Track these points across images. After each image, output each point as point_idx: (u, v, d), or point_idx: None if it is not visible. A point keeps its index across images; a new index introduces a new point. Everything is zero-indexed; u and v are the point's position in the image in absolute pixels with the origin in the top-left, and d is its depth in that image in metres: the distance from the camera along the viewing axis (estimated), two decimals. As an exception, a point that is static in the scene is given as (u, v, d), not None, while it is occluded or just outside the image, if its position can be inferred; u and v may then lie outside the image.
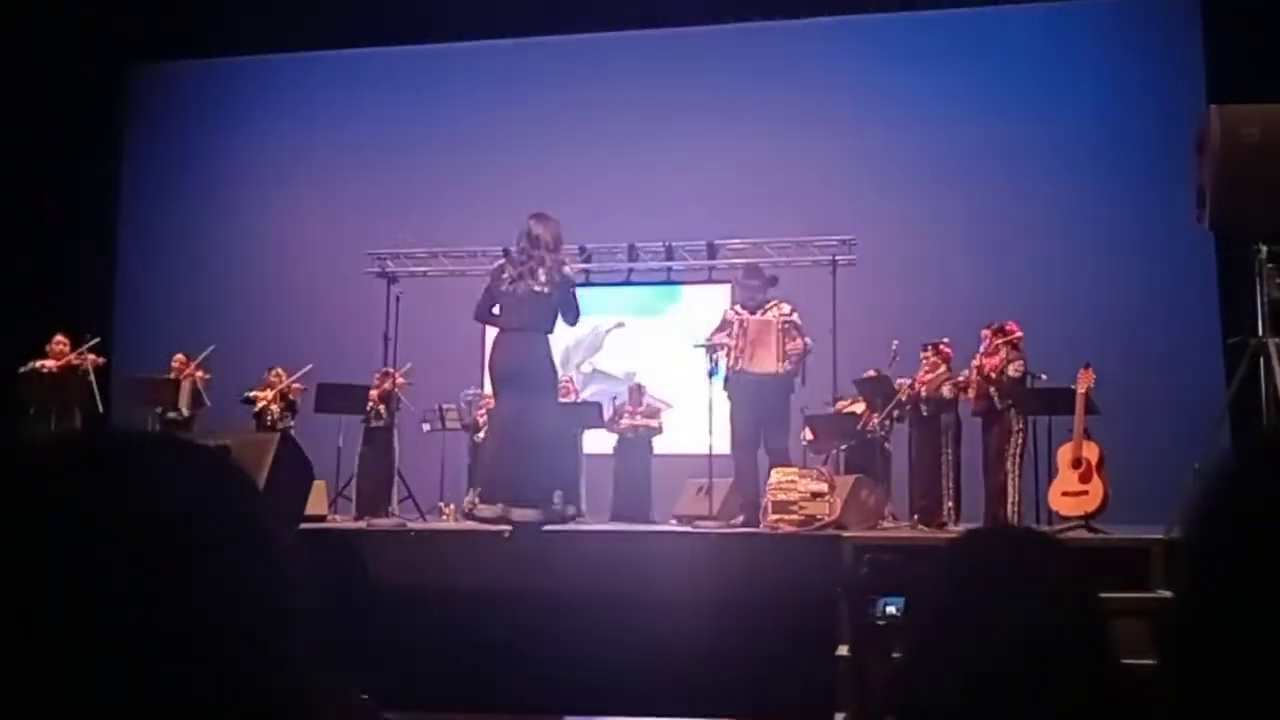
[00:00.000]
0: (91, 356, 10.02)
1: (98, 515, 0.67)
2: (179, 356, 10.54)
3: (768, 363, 6.89)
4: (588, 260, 12.37)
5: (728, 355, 7.07)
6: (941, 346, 8.78)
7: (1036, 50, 12.22)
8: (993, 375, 8.09)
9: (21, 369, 9.78)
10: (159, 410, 10.18)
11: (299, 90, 13.75)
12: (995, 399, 8.09)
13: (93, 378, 9.88)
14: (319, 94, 13.69)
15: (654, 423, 11.17)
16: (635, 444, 11.08)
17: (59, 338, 10.01)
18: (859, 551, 4.49)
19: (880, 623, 1.94)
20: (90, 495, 0.68)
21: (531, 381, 6.06)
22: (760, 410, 6.89)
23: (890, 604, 1.94)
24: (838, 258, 11.36)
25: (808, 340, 7.12)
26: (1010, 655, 1.20)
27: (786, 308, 7.11)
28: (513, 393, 6.04)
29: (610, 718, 4.23)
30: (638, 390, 11.40)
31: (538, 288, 6.19)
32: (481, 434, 10.42)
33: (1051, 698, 1.20)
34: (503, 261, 6.13)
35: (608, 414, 11.21)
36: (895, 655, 1.86)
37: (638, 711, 3.87)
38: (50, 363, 9.88)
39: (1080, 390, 7.22)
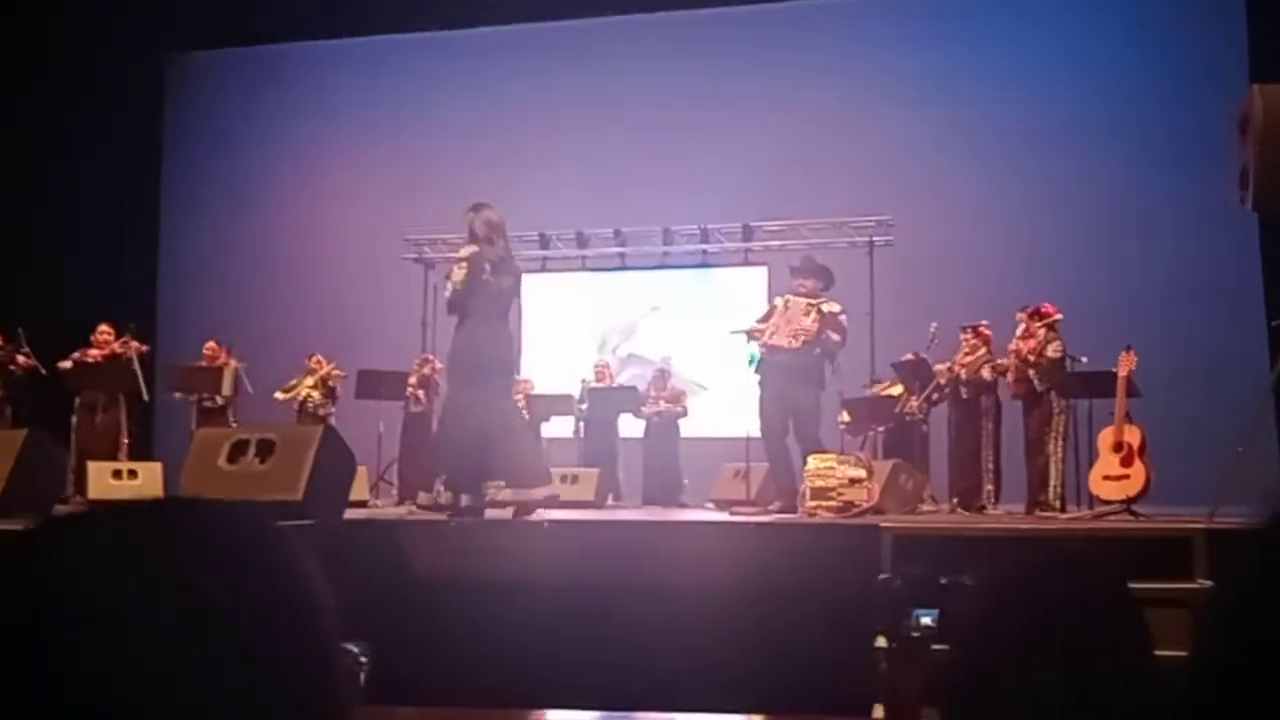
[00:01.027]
0: (135, 345, 10.15)
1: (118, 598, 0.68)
2: (210, 344, 10.66)
3: (783, 338, 6.85)
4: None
5: (760, 336, 7.04)
6: (981, 329, 8.71)
7: (1075, 28, 12.04)
8: (1030, 358, 8.03)
9: (67, 359, 9.93)
10: (197, 397, 10.30)
11: (335, 77, 13.80)
12: (1035, 382, 8.02)
13: (137, 366, 10.01)
14: (355, 80, 13.74)
15: (678, 407, 11.18)
16: (662, 428, 11.10)
17: (103, 327, 10.16)
18: (896, 543, 4.48)
19: (915, 635, 1.94)
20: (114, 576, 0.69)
21: (509, 370, 6.19)
22: (787, 398, 6.82)
23: (924, 615, 1.95)
24: (874, 239, 11.29)
25: (832, 335, 6.91)
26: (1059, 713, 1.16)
27: (836, 306, 7.00)
28: (494, 380, 6.08)
29: (647, 713, 4.26)
30: (662, 374, 11.42)
31: (510, 279, 6.24)
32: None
33: None
34: (476, 251, 6.11)
35: (641, 398, 11.25)
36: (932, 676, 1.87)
37: (676, 705, 3.89)
38: (95, 352, 10.03)
39: (1121, 373, 7.14)
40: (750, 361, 7.07)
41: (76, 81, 12.34)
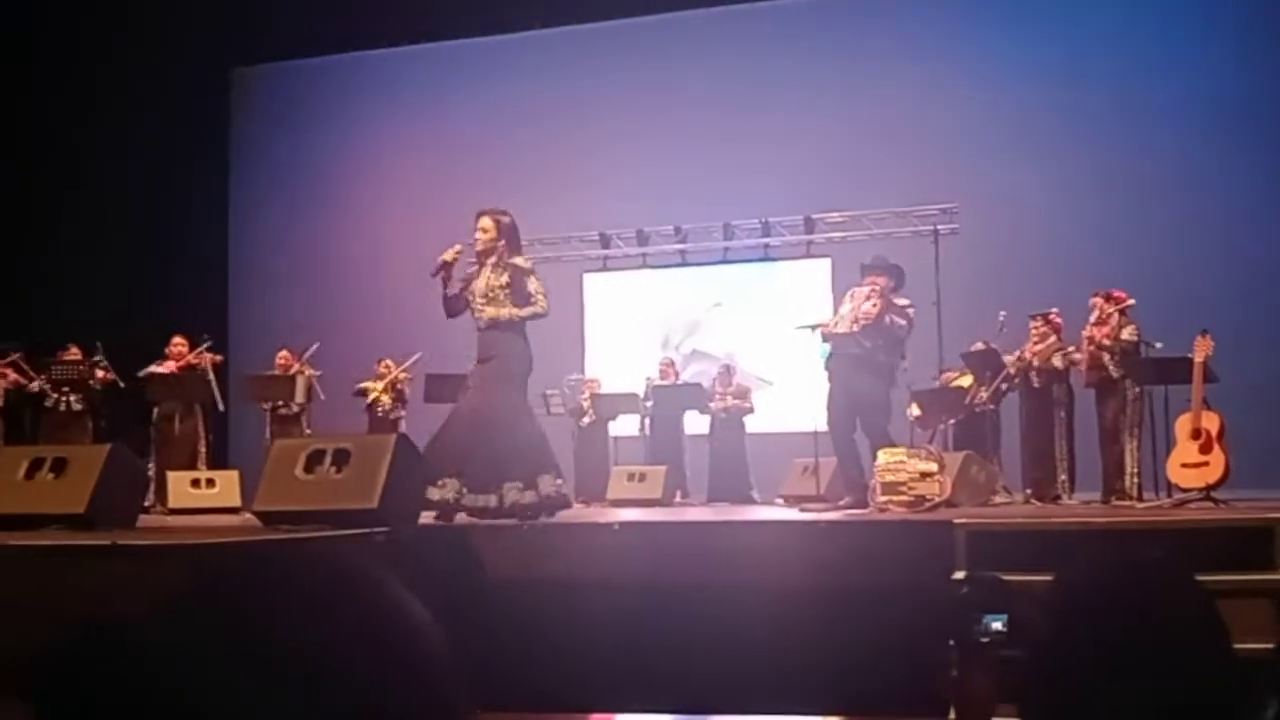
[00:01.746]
0: (209, 356, 10.37)
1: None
2: (283, 353, 10.86)
3: (847, 325, 6.77)
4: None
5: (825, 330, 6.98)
6: (1051, 316, 8.59)
7: (1145, 5, 11.78)
8: (1105, 343, 7.90)
9: (144, 371, 10.17)
10: (272, 405, 10.50)
11: (396, 84, 13.97)
12: (1110, 369, 7.89)
13: (212, 376, 10.23)
14: (414, 88, 13.89)
15: (745, 403, 11.15)
16: (728, 424, 11.09)
17: (177, 339, 10.39)
18: (969, 539, 4.44)
19: (985, 640, 1.93)
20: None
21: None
22: (855, 393, 6.74)
23: (994, 621, 1.94)
24: (939, 227, 11.16)
25: (896, 319, 6.73)
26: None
27: (904, 300, 6.89)
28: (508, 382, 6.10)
29: (719, 715, 4.27)
30: (727, 370, 11.40)
31: None
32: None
33: None
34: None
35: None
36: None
37: (747, 707, 3.90)
38: (170, 364, 10.26)
39: (1198, 359, 6.99)
40: (824, 357, 7.02)
41: (145, 97, 12.63)
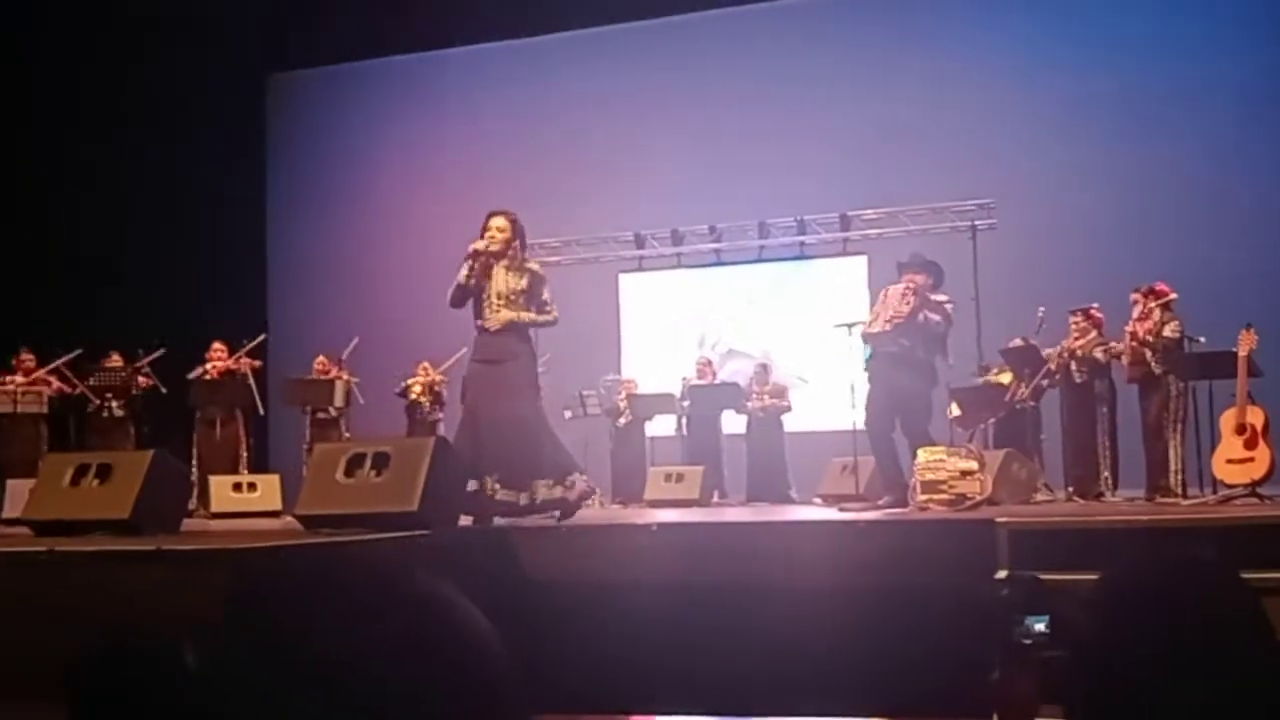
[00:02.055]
0: (249, 361, 10.47)
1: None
2: (320, 359, 10.95)
3: (880, 324, 6.72)
4: None
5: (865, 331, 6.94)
6: (1092, 311, 8.50)
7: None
8: (1148, 338, 7.81)
9: (188, 376, 10.30)
10: (311, 410, 10.59)
11: (428, 88, 14.06)
12: (1152, 364, 7.80)
13: (252, 381, 10.33)
14: (448, 91, 13.97)
15: (782, 401, 11.12)
16: (765, 423, 11.06)
17: (217, 345, 10.51)
18: (1012, 538, 4.39)
19: (1026, 642, 1.91)
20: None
21: None
22: (894, 392, 6.69)
23: (1036, 622, 1.92)
24: (976, 222, 11.08)
25: (931, 315, 6.67)
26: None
27: (942, 296, 6.83)
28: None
29: (757, 718, 4.25)
30: (764, 369, 11.36)
31: None
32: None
33: None
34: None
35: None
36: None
37: (787, 709, 3.89)
38: (212, 369, 10.38)
39: (1242, 353, 6.89)
40: (865, 359, 6.97)
41: (184, 105, 12.78)
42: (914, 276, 6.80)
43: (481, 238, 6.01)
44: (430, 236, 13.74)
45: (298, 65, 14.38)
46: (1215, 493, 7.09)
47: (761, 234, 12.36)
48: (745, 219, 12.30)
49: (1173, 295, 7.91)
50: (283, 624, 0.75)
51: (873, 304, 7.15)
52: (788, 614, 4.45)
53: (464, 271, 6.00)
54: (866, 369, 6.91)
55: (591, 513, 9.57)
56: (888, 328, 6.66)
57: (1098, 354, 8.30)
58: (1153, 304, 7.87)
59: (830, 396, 10.60)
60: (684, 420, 11.40)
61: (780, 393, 11.13)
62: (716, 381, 11.54)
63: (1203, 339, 7.69)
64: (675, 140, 12.85)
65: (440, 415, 10.97)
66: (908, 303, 6.66)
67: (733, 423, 11.30)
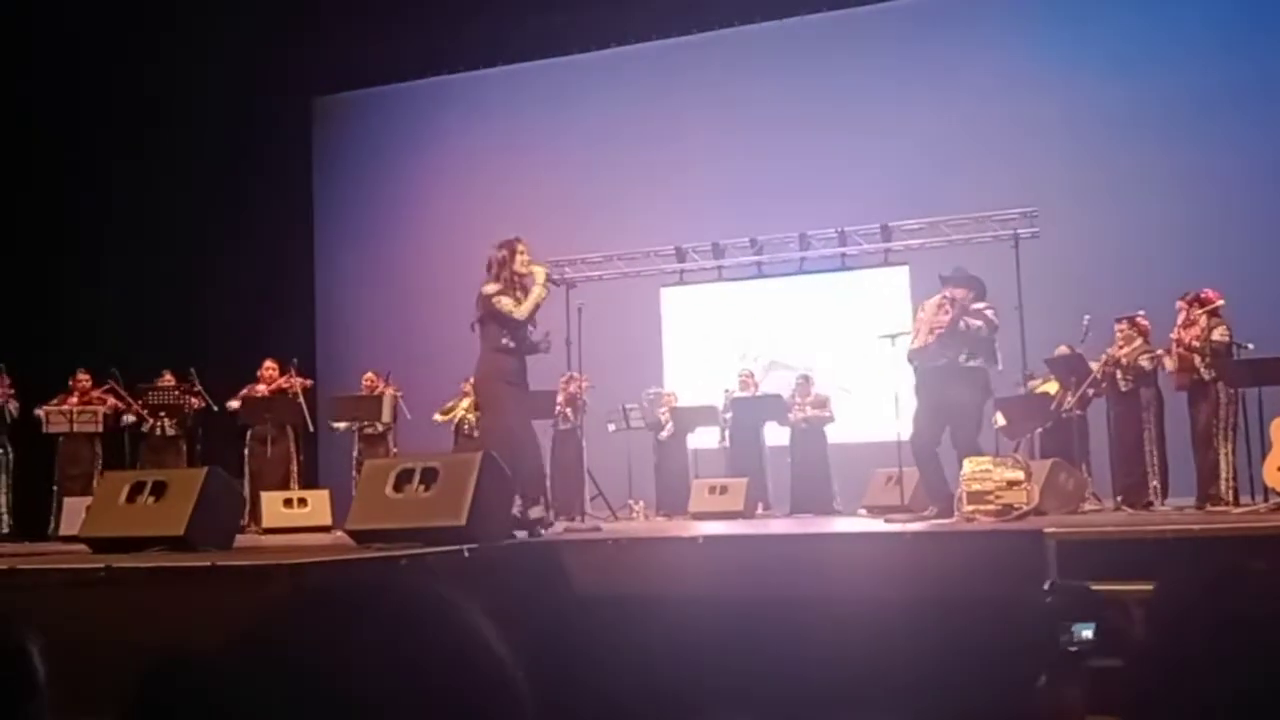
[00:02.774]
0: (299, 379, 10.62)
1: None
2: (369, 375, 11.07)
3: (922, 338, 6.68)
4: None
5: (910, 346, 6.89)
6: (1138, 319, 8.43)
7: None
8: (1195, 344, 7.72)
9: (237, 397, 10.46)
10: (359, 426, 10.71)
11: (472, 107, 14.19)
12: (1201, 371, 7.72)
13: (302, 399, 10.48)
14: (491, 109, 14.10)
15: (824, 412, 11.09)
16: (808, 435, 11.03)
17: (268, 363, 10.66)
18: (1061, 548, 4.37)
19: (1073, 649, 1.91)
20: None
21: None
22: (941, 404, 6.64)
23: (1083, 629, 1.92)
24: (1019, 231, 11.00)
25: (972, 322, 6.62)
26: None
27: (982, 304, 6.79)
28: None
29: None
30: (805, 381, 11.33)
31: None
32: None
33: None
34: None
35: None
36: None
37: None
38: (262, 388, 10.54)
39: (1293, 359, 6.82)
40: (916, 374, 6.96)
41: (232, 128, 13.02)
42: (954, 291, 6.78)
43: (523, 263, 6.49)
44: (474, 254, 13.83)
45: (342, 88, 14.59)
46: (1266, 501, 7.00)
47: (802, 246, 12.34)
48: (786, 231, 12.29)
49: (1220, 301, 7.83)
50: (327, 636, 0.78)
51: (913, 317, 7.10)
52: (835, 626, 4.45)
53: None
54: (916, 381, 6.89)
55: (636, 525, 9.61)
56: (930, 340, 6.63)
57: (1144, 362, 8.22)
58: (1198, 312, 7.79)
59: (874, 407, 10.56)
60: (726, 432, 11.40)
61: (822, 404, 11.11)
62: (758, 393, 11.53)
63: (1251, 345, 7.61)
64: (715, 154, 12.89)
65: (486, 431, 11.04)
66: (945, 312, 6.63)
67: (776, 435, 11.29)
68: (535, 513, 6.05)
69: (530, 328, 6.53)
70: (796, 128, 12.66)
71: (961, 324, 6.60)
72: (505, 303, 6.41)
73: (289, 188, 14.30)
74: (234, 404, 10.41)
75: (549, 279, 6.55)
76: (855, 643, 4.28)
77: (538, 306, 6.49)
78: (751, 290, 12.97)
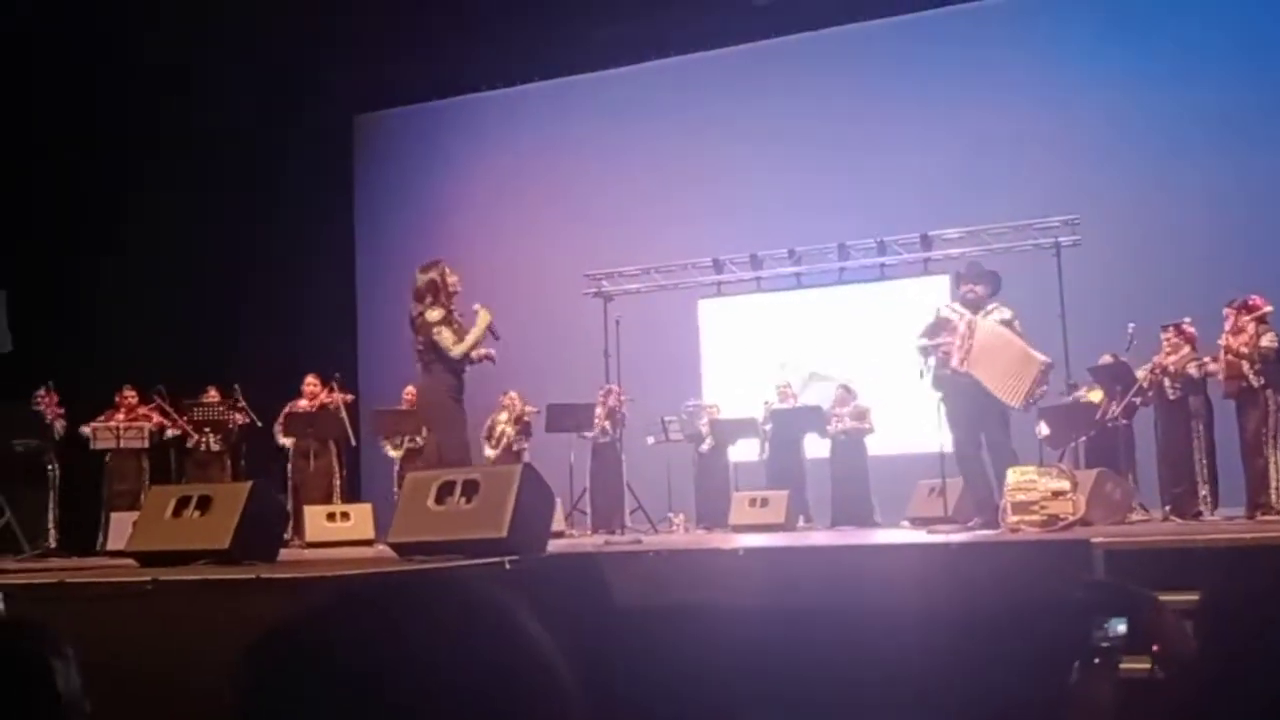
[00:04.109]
0: (340, 394, 10.70)
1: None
2: (410, 388, 11.12)
3: (993, 375, 6.57)
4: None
5: (947, 354, 6.79)
6: (1184, 327, 8.32)
7: (1268, 6, 11.35)
8: (1244, 351, 7.61)
9: (280, 415, 10.57)
10: (400, 439, 10.77)
11: (510, 123, 14.28)
12: (1250, 378, 7.60)
13: (344, 413, 10.55)
14: (529, 124, 14.19)
15: (864, 424, 11.01)
16: (848, 446, 10.96)
17: (310, 379, 10.75)
18: (1109, 558, 4.31)
19: (1105, 645, 1.87)
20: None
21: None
22: (974, 406, 6.59)
23: (1118, 624, 1.88)
24: (1060, 240, 10.89)
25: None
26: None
27: (1008, 313, 6.74)
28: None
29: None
30: (846, 392, 11.25)
31: None
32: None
33: None
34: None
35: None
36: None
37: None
38: (304, 403, 10.62)
39: (1345, 365, 6.69)
40: (922, 377, 6.89)
41: (275, 147, 13.18)
42: (973, 287, 6.77)
43: (453, 285, 6.86)
44: (513, 268, 13.94)
45: (382, 105, 14.74)
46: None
47: (841, 256, 12.27)
48: (824, 241, 12.24)
49: (1269, 308, 7.72)
50: (376, 645, 0.78)
51: (935, 322, 6.94)
52: (877, 638, 4.41)
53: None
54: (938, 388, 6.83)
55: (677, 537, 9.59)
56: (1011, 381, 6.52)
57: (1191, 369, 8.11)
58: (1246, 318, 7.68)
59: (914, 419, 10.47)
60: (766, 444, 11.36)
61: (862, 415, 11.04)
62: (797, 405, 11.48)
63: (1302, 352, 7.48)
64: (753, 165, 12.88)
65: (526, 445, 11.09)
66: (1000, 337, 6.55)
67: (815, 447, 11.23)
68: None
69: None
70: (835, 138, 12.63)
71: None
72: (446, 337, 6.73)
73: (331, 204, 14.46)
74: (283, 440, 10.52)
75: (490, 328, 6.71)
76: (897, 655, 4.24)
77: (473, 347, 6.71)
78: (790, 301, 12.92)
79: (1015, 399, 6.48)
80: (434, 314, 6.67)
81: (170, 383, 10.62)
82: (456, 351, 6.66)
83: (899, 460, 10.59)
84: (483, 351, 6.93)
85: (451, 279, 6.89)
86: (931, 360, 6.81)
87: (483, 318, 6.80)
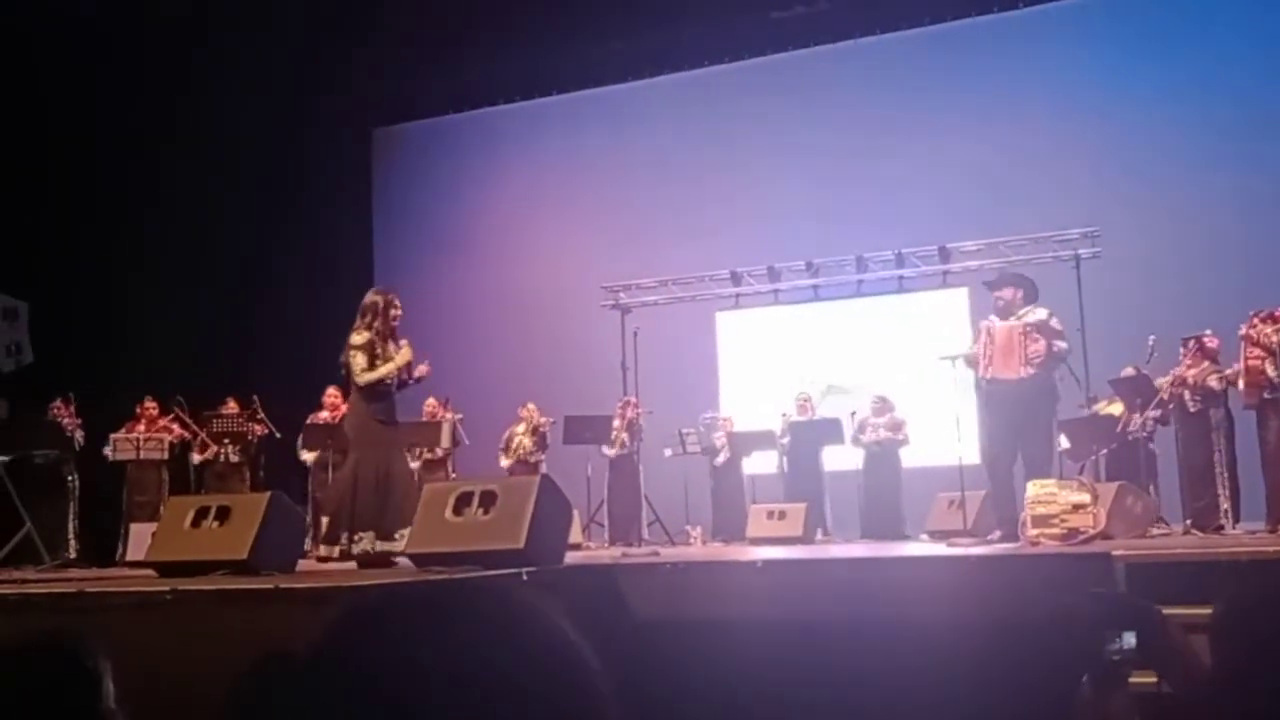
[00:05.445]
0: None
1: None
2: (430, 401, 11.16)
3: (1009, 369, 6.57)
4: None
5: (974, 364, 6.76)
6: (1204, 339, 8.26)
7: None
8: (1268, 344, 7.53)
9: (305, 427, 10.60)
10: (419, 450, 10.79)
11: (529, 136, 14.34)
12: (1272, 376, 7.51)
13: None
14: (547, 137, 14.24)
15: (899, 435, 10.96)
16: (882, 457, 10.90)
17: (331, 391, 10.77)
18: (1130, 571, 4.28)
19: (1115, 658, 1.87)
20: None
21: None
22: (1015, 417, 6.53)
23: (1127, 638, 1.88)
24: (1080, 252, 10.85)
25: (1057, 344, 6.58)
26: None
27: (1043, 313, 6.68)
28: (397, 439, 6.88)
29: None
30: (882, 402, 11.18)
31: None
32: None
33: None
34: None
35: (848, 429, 11.10)
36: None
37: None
38: (325, 414, 10.65)
39: (1368, 377, 6.63)
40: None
41: (294, 160, 13.25)
42: (1002, 293, 6.72)
43: (394, 316, 6.79)
44: (532, 281, 13.98)
45: (401, 119, 14.82)
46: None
47: (859, 268, 12.26)
48: (842, 253, 12.23)
49: (1293, 319, 7.65)
50: (401, 654, 0.78)
51: (974, 339, 6.93)
52: (895, 650, 4.39)
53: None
54: (977, 396, 6.80)
55: (694, 550, 9.56)
56: (1027, 371, 6.48)
57: (1212, 382, 8.06)
58: (1270, 329, 7.61)
59: (933, 432, 10.44)
60: (784, 457, 11.32)
61: (897, 426, 10.98)
62: (815, 417, 11.44)
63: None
64: (770, 178, 12.89)
65: (542, 456, 11.10)
66: (1037, 340, 6.50)
67: (835, 459, 11.18)
68: (381, 545, 6.21)
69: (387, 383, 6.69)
70: (853, 150, 12.63)
71: (1054, 346, 6.54)
72: (359, 361, 6.67)
73: (349, 217, 14.53)
74: (305, 456, 10.56)
75: (408, 364, 6.79)
76: (915, 667, 4.22)
77: (383, 380, 6.66)
78: (808, 314, 12.91)
79: (1024, 370, 6.45)
80: (357, 337, 6.70)
81: (190, 394, 10.67)
82: (361, 380, 6.65)
83: (917, 473, 10.55)
84: (421, 372, 6.90)
85: (395, 311, 6.85)
86: (973, 374, 6.80)
87: (402, 355, 6.75)
